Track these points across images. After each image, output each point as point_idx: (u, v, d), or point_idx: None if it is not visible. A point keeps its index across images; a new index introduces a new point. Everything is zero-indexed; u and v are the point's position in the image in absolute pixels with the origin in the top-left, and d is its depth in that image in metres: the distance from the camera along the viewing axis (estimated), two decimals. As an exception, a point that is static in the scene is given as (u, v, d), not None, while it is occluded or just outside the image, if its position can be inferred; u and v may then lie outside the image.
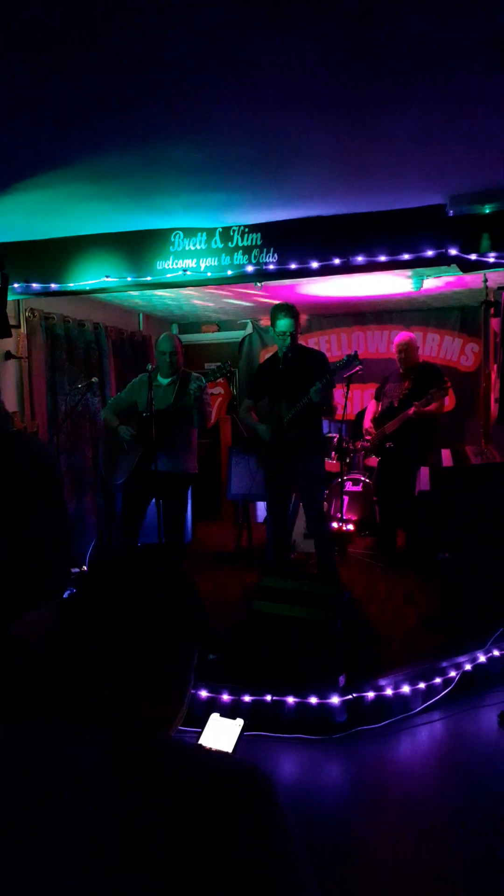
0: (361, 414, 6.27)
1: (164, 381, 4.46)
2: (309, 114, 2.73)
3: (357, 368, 4.34)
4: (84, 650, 0.91)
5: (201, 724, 1.75)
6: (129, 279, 4.48)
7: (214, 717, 1.65)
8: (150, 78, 2.40)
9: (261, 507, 6.35)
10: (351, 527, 6.11)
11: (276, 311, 4.26)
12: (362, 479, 6.26)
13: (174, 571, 0.98)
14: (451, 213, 3.79)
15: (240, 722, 1.61)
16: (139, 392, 4.45)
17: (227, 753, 0.88)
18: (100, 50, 2.20)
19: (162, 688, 0.92)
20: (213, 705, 3.21)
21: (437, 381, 5.14)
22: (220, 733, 1.58)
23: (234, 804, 0.79)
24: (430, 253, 3.89)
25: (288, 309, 4.24)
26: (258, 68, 2.34)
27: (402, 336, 5.43)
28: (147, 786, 0.80)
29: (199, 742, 1.61)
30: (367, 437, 5.58)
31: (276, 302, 4.45)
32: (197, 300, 6.68)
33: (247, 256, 4.23)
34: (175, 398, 4.31)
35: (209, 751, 0.89)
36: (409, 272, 5.51)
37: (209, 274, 4.33)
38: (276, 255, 4.18)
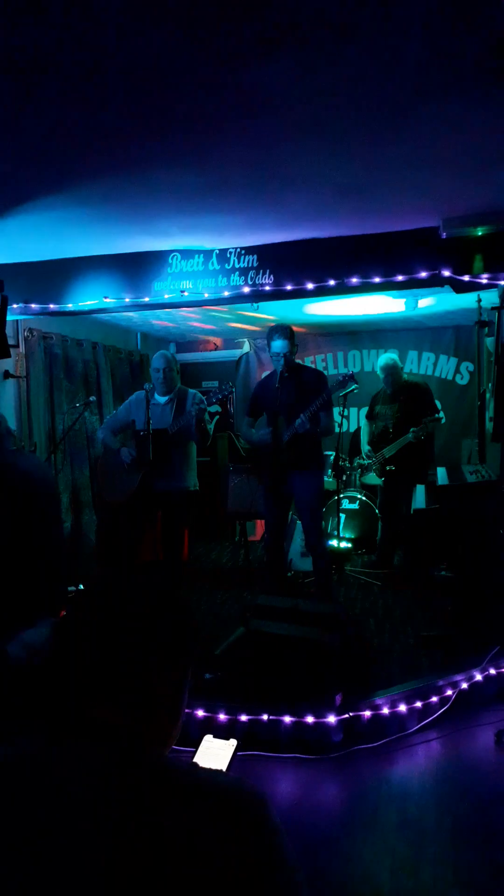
0: (359, 432, 6.31)
1: (162, 399, 4.47)
2: (304, 140, 2.79)
3: (352, 388, 4.38)
4: (79, 669, 0.93)
5: (197, 744, 1.76)
6: (126, 300, 4.53)
7: (208, 739, 1.66)
8: (148, 105, 2.45)
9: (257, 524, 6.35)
10: (348, 545, 6.12)
11: (271, 333, 4.32)
12: (360, 496, 6.28)
13: (166, 590, 1.00)
14: (444, 235, 3.85)
15: (233, 742, 1.62)
16: (137, 410, 4.46)
17: (221, 772, 0.89)
18: (99, 77, 2.26)
19: (156, 706, 0.93)
20: (210, 724, 3.21)
21: (427, 406, 5.20)
22: (214, 754, 1.59)
23: (229, 823, 0.81)
24: (423, 274, 3.95)
25: (282, 330, 4.29)
26: (253, 96, 2.39)
27: (384, 359, 5.54)
28: (143, 805, 0.81)
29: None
30: (368, 458, 5.64)
31: (273, 322, 4.51)
32: (194, 320, 6.74)
33: (243, 278, 4.28)
34: (174, 417, 4.33)
35: (204, 769, 0.90)
36: (403, 293, 5.58)
37: (206, 295, 4.38)
38: (272, 277, 4.23)
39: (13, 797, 0.83)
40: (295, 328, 4.45)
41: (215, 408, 7.85)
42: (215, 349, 8.20)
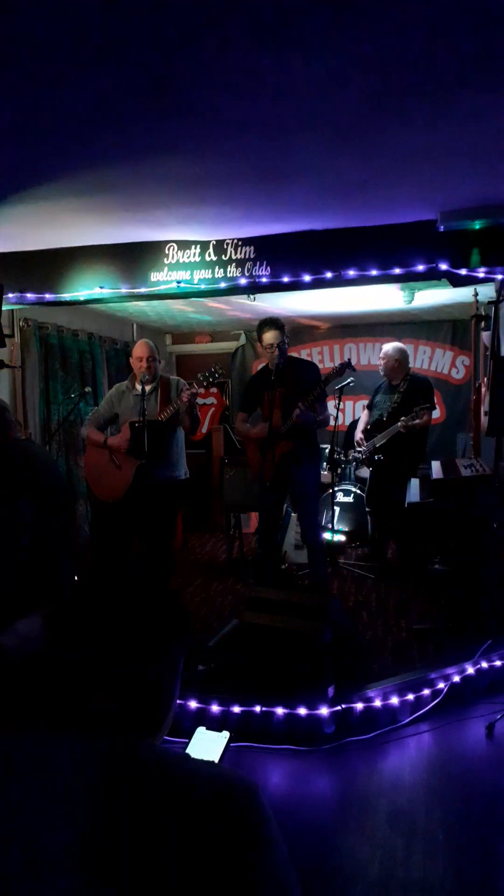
0: (354, 424, 6.31)
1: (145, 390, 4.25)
2: (303, 132, 2.77)
3: (349, 381, 4.37)
4: (72, 659, 0.93)
5: (190, 735, 1.76)
6: (122, 290, 4.51)
7: (200, 731, 1.67)
8: (146, 95, 2.43)
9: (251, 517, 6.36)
10: (342, 537, 6.13)
11: (261, 326, 4.29)
12: (354, 489, 6.28)
13: (158, 581, 1.00)
14: (441, 228, 3.84)
15: (225, 734, 1.63)
16: (119, 403, 4.33)
17: (213, 763, 0.90)
18: (96, 67, 2.24)
19: (148, 696, 0.93)
20: (203, 716, 3.22)
21: (424, 397, 5.18)
22: (206, 746, 1.60)
23: (220, 814, 0.81)
24: (420, 267, 3.94)
25: (272, 322, 4.26)
26: (254, 87, 2.38)
27: (387, 346, 5.47)
28: (134, 796, 0.81)
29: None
30: (359, 448, 5.62)
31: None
32: (191, 311, 6.72)
33: (240, 269, 4.27)
34: (161, 405, 4.23)
35: (196, 760, 0.90)
36: (400, 286, 5.57)
37: (203, 286, 4.36)
38: (269, 268, 4.22)
39: (5, 786, 0.83)
40: (290, 319, 4.43)
41: (210, 399, 7.86)
42: (211, 341, 8.18)
